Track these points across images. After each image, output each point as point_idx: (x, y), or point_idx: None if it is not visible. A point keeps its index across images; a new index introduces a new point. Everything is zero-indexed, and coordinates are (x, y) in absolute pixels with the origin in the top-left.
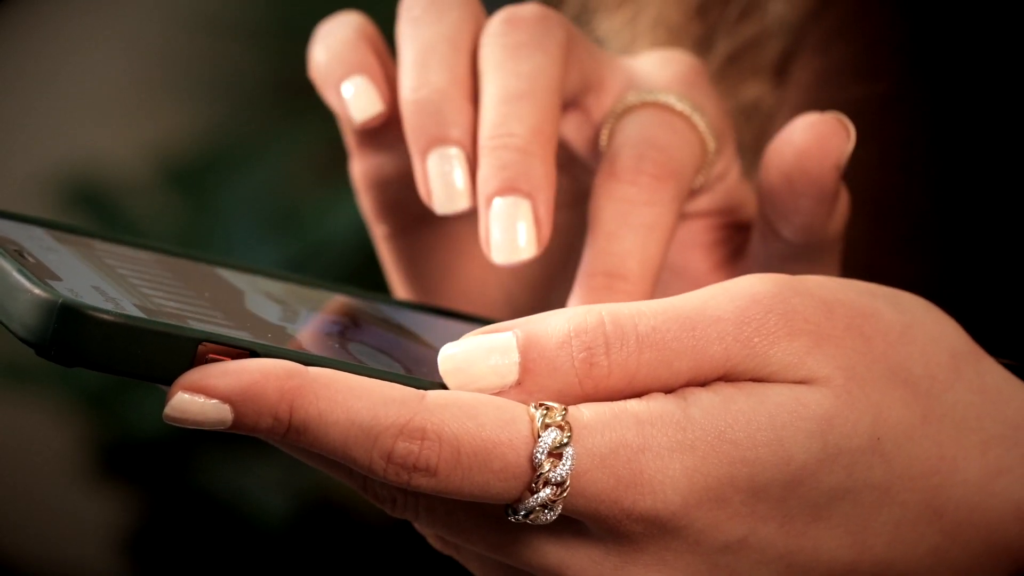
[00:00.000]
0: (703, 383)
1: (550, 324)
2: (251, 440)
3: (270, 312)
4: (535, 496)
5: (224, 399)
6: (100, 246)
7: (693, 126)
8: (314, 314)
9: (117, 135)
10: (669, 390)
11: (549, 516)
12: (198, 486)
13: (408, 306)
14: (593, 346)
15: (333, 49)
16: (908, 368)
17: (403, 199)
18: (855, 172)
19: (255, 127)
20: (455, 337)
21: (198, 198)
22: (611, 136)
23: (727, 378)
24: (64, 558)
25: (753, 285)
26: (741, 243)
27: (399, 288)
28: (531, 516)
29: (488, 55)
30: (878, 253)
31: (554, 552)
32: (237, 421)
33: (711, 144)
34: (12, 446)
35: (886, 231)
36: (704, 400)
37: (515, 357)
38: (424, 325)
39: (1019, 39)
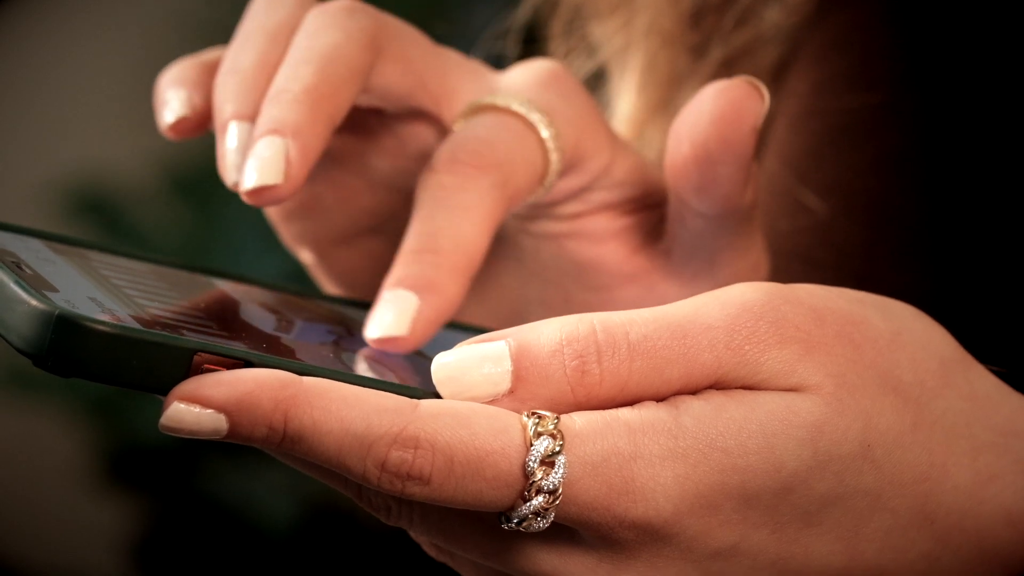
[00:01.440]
0: (694, 391)
1: (542, 333)
2: (256, 447)
3: (265, 322)
4: (528, 504)
5: (219, 409)
6: (97, 257)
7: (530, 125)
8: (309, 324)
9: (123, 144)
10: (661, 398)
11: (542, 524)
12: (204, 492)
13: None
14: (585, 354)
15: (167, 74)
16: (898, 375)
17: (314, 228)
18: (849, 180)
19: None
20: (448, 346)
21: (203, 207)
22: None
23: (718, 386)
24: (72, 565)
25: (744, 293)
26: (656, 223)
27: None
28: (524, 524)
29: (293, 40)
30: (872, 262)
31: (548, 559)
32: (232, 431)
33: (551, 143)
34: (20, 454)
35: (880, 240)
36: (695, 408)
37: (508, 366)
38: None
39: (1013, 50)
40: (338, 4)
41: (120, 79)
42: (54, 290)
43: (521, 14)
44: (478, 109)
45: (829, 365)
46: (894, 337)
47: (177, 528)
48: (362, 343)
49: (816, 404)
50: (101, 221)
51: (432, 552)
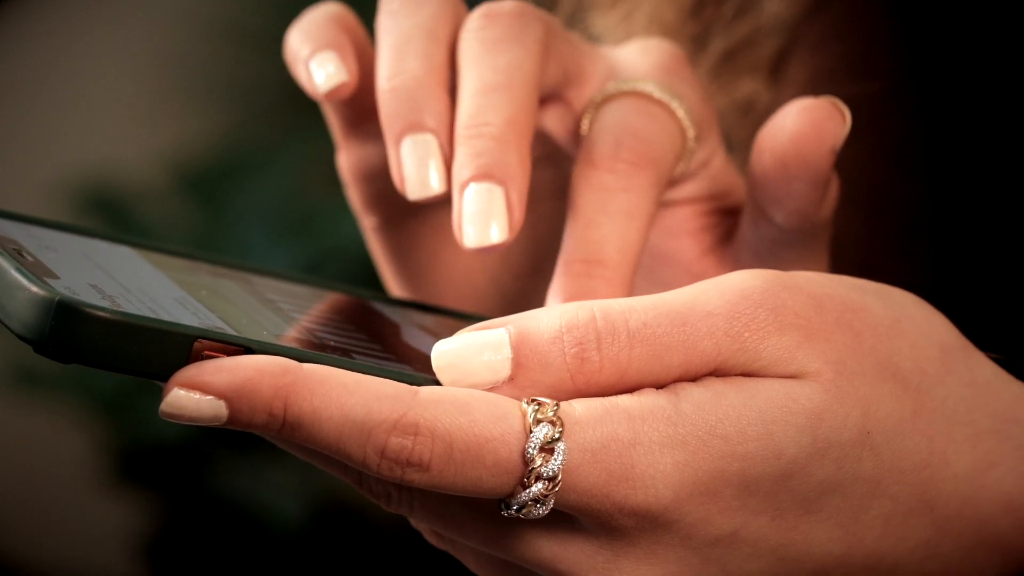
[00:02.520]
0: (694, 378)
1: (542, 320)
2: (265, 445)
3: (260, 308)
4: (527, 491)
5: (219, 395)
6: (100, 245)
7: (672, 113)
8: (308, 311)
9: (132, 141)
10: (660, 385)
11: (541, 511)
12: (214, 491)
13: (403, 304)
14: (584, 341)
15: (304, 29)
16: (897, 362)
17: (390, 190)
18: (849, 169)
19: (269, 133)
20: (449, 334)
21: (212, 204)
22: (591, 125)
23: (718, 373)
24: (81, 563)
25: (743, 280)
26: (730, 228)
27: (389, 279)
28: (524, 511)
29: (466, 49)
30: (872, 250)
31: (547, 546)
32: (232, 417)
33: (690, 131)
34: (30, 452)
35: (880, 228)
36: (695, 395)
37: (507, 353)
38: (418, 322)
39: (1013, 38)
40: (509, 7)
41: (128, 77)
42: (55, 277)
43: None
44: (614, 95)
45: (828, 352)
46: (894, 324)
47: (187, 526)
48: (363, 330)
49: (815, 391)
50: (111, 218)
51: (433, 540)
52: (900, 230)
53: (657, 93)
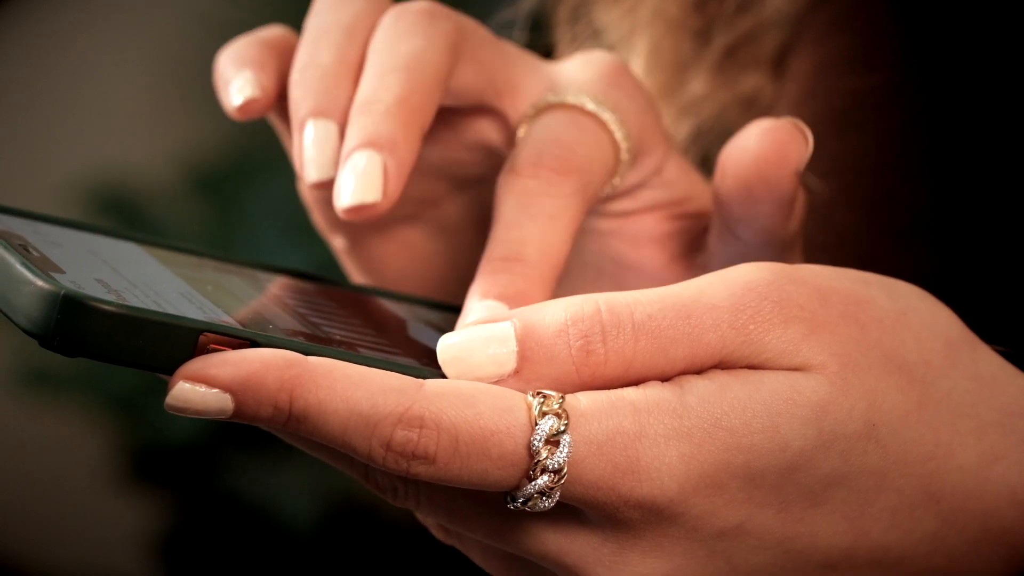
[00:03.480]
0: (699, 370)
1: (547, 313)
2: (277, 444)
3: (265, 303)
4: (533, 483)
5: (225, 388)
6: (106, 242)
7: (603, 125)
8: (314, 306)
9: (144, 142)
10: (665, 377)
11: (547, 503)
12: (226, 490)
13: (408, 299)
14: (590, 334)
15: (229, 52)
16: (903, 355)
17: None
18: (851, 163)
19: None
20: (454, 328)
21: (225, 204)
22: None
23: (723, 365)
24: (95, 562)
25: (748, 273)
26: (697, 234)
27: None
28: (529, 503)
29: (373, 43)
30: (874, 243)
31: (553, 539)
32: (238, 410)
33: (624, 143)
34: (44, 452)
35: (882, 221)
36: (700, 388)
37: (513, 346)
38: (424, 317)
39: (1016, 31)
40: (418, 6)
41: (142, 78)
42: (60, 271)
43: (528, 1)
44: (548, 107)
45: (834, 344)
46: (899, 317)
47: (200, 525)
48: (370, 324)
49: (820, 383)
50: (123, 219)
51: (440, 535)
52: (902, 224)
53: (590, 106)
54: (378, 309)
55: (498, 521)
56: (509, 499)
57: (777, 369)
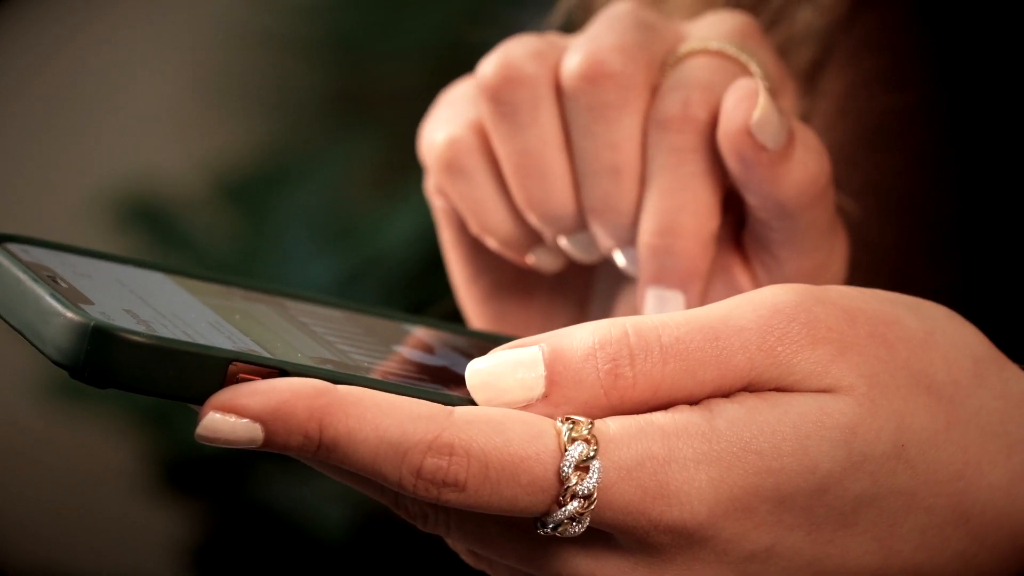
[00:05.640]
0: (727, 393)
1: (575, 337)
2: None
3: (293, 332)
4: (563, 509)
5: (255, 418)
6: (134, 272)
7: (745, 68)
8: (342, 334)
9: (173, 151)
10: (694, 400)
11: (577, 529)
12: (258, 499)
13: (436, 325)
14: (618, 357)
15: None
16: (931, 375)
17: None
18: (883, 179)
19: (310, 141)
20: (482, 354)
21: (254, 213)
22: (661, 84)
23: (751, 387)
24: (128, 573)
25: (776, 295)
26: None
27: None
28: (560, 529)
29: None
30: (907, 260)
31: (584, 564)
32: (268, 440)
33: (762, 83)
34: (76, 464)
35: (914, 238)
36: (729, 411)
37: (541, 370)
38: (452, 343)
39: None
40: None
41: (170, 87)
42: (89, 303)
43: (555, 18)
44: (690, 53)
45: (862, 366)
46: (927, 337)
47: (232, 535)
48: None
49: (849, 405)
50: (153, 228)
51: (470, 560)
52: (935, 240)
53: (732, 50)
54: (406, 335)
55: (529, 547)
56: (539, 525)
57: (806, 391)
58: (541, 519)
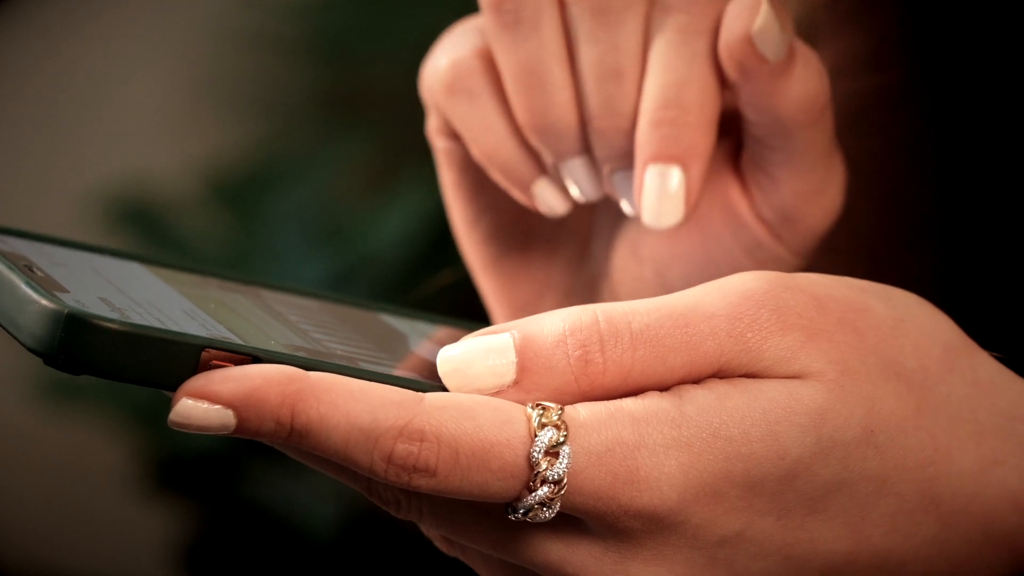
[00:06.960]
0: (697, 379)
1: (546, 324)
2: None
3: (268, 320)
4: (533, 494)
5: (227, 404)
6: (110, 261)
7: None
8: (316, 323)
9: (165, 152)
10: (664, 386)
11: (548, 514)
12: (249, 498)
13: (409, 315)
14: (588, 344)
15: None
16: (901, 361)
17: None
18: (863, 162)
19: (301, 142)
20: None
21: (245, 213)
22: None
23: (721, 374)
24: (119, 572)
25: (745, 282)
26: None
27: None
28: (530, 514)
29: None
30: (885, 244)
31: (555, 549)
32: (240, 426)
33: None
34: (67, 462)
35: (894, 222)
36: (699, 397)
37: (512, 357)
38: (425, 332)
39: None
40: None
41: (160, 87)
42: (65, 291)
43: None
44: None
45: (831, 352)
46: (897, 324)
47: (224, 534)
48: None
49: (819, 391)
50: (144, 229)
51: (444, 547)
52: (914, 224)
53: None
54: (380, 324)
55: (500, 532)
56: (510, 510)
57: (775, 377)
58: (512, 504)
